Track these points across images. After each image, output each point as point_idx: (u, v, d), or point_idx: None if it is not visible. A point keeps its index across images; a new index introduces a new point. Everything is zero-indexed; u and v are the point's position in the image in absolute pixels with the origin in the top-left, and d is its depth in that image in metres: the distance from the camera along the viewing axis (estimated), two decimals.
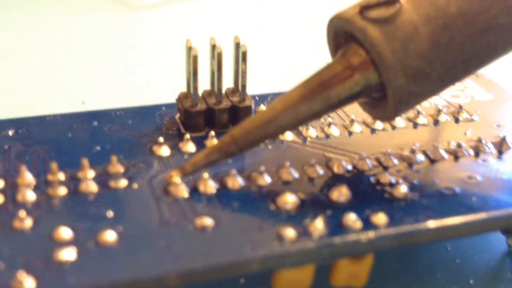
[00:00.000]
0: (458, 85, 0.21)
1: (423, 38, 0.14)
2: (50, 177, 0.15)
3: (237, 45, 0.17)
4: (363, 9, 0.14)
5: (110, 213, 0.14)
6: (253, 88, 0.19)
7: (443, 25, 0.14)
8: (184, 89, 0.18)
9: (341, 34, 0.15)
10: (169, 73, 0.26)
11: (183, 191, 0.14)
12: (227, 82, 0.18)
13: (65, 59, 0.28)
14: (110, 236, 0.13)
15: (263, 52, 0.28)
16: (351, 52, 0.15)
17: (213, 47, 0.17)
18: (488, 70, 0.20)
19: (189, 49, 0.17)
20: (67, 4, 0.35)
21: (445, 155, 0.16)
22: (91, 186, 0.15)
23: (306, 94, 0.14)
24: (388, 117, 0.15)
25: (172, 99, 0.18)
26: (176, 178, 0.15)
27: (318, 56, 0.29)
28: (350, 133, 0.18)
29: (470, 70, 0.15)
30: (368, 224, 0.14)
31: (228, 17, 0.34)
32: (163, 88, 0.25)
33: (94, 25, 0.32)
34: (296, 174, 0.15)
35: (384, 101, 0.15)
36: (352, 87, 0.15)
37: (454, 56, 0.14)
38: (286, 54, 0.29)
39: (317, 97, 0.14)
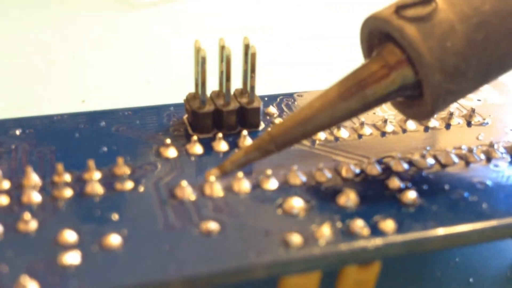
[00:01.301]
0: None
1: (460, 36, 0.14)
2: (56, 178, 0.15)
3: (246, 46, 0.17)
4: (399, 9, 0.14)
5: (115, 216, 0.14)
6: (262, 88, 0.19)
7: (479, 23, 0.14)
8: (185, 88, 0.18)
9: (375, 35, 0.15)
10: (169, 71, 0.26)
11: (190, 194, 0.14)
12: (236, 83, 0.17)
13: (65, 57, 0.28)
14: (114, 239, 0.13)
15: (270, 52, 0.28)
16: (387, 52, 0.15)
17: (222, 48, 0.17)
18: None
19: (198, 50, 0.17)
20: (67, 3, 0.35)
21: (456, 160, 0.16)
22: (96, 188, 0.14)
23: (343, 93, 0.15)
24: (424, 116, 0.15)
25: (172, 97, 0.18)
26: (214, 177, 0.15)
27: (327, 55, 0.29)
28: (360, 136, 0.17)
29: (505, 68, 0.15)
30: (376, 231, 0.13)
31: (230, 16, 0.34)
32: (163, 86, 0.25)
33: (94, 24, 0.32)
34: (303, 178, 0.15)
35: (420, 100, 0.15)
36: (388, 85, 0.15)
37: (490, 53, 0.14)
38: (294, 53, 0.29)
39: (354, 96, 0.15)
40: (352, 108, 0.15)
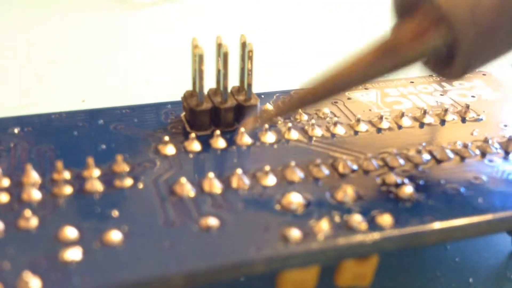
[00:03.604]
0: (465, 84, 0.21)
1: None
2: (55, 176, 0.15)
3: (243, 44, 0.17)
4: None
5: (115, 213, 0.14)
6: (259, 86, 0.19)
7: None
8: (184, 87, 0.18)
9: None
10: (169, 71, 0.26)
11: (189, 191, 0.14)
12: (233, 80, 0.18)
13: (65, 57, 0.28)
14: (115, 236, 0.13)
15: (267, 49, 0.28)
16: (421, 12, 0.15)
17: (219, 46, 0.17)
18: (496, 69, 0.20)
19: (195, 48, 0.17)
20: (67, 2, 0.35)
21: (452, 155, 0.16)
22: (96, 185, 0.15)
23: (378, 53, 0.15)
24: (456, 75, 0.16)
25: (172, 97, 0.18)
26: (252, 125, 0.15)
27: (324, 53, 0.29)
28: (356, 133, 0.17)
29: None
30: (373, 225, 0.14)
31: (230, 15, 0.34)
32: (163, 86, 0.25)
33: (94, 23, 0.32)
34: (301, 174, 0.15)
35: (453, 60, 0.15)
36: (423, 44, 0.15)
37: None
38: (291, 51, 0.29)
39: (388, 56, 0.15)
40: (386, 66, 0.15)
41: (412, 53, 0.15)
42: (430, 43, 0.15)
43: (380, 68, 0.15)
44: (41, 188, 0.14)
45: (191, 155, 0.16)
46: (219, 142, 0.17)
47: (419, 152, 0.16)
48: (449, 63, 0.15)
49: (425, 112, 0.18)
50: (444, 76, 0.16)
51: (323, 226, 0.13)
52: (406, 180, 0.15)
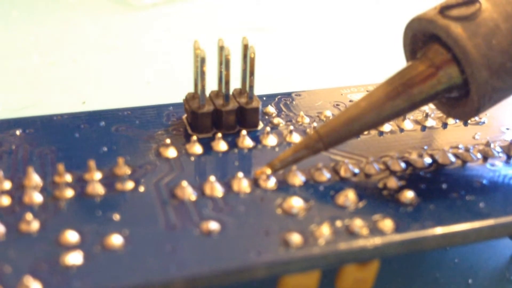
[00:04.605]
0: None
1: (505, 34, 0.14)
2: (57, 178, 0.15)
3: (245, 47, 0.17)
4: (444, 9, 0.15)
5: (116, 216, 0.14)
6: (261, 88, 0.19)
7: None
8: (184, 88, 0.18)
9: (419, 37, 0.16)
10: (169, 73, 0.26)
11: (190, 194, 0.14)
12: (235, 83, 0.18)
13: (65, 59, 0.28)
14: (116, 240, 0.13)
15: (269, 51, 0.28)
16: (433, 52, 0.15)
17: (221, 48, 0.17)
18: None
19: (197, 50, 0.17)
20: (67, 4, 0.35)
21: (453, 159, 0.16)
22: (97, 188, 0.15)
23: (389, 92, 0.15)
24: (469, 115, 0.16)
25: (172, 98, 0.18)
26: (265, 174, 0.15)
27: (326, 55, 0.29)
28: (358, 136, 0.17)
29: None
30: (374, 230, 0.14)
31: (231, 17, 0.34)
32: (164, 88, 0.25)
33: (94, 25, 0.32)
34: (303, 178, 0.15)
35: (465, 100, 0.15)
36: (435, 85, 0.15)
37: None
38: (293, 53, 0.29)
39: (400, 96, 0.15)
40: (399, 107, 0.15)
41: (424, 92, 0.15)
42: (442, 82, 0.15)
43: (393, 108, 0.15)
44: (43, 191, 0.14)
45: (192, 158, 0.16)
46: (221, 145, 0.17)
47: (420, 155, 0.16)
48: (462, 103, 0.16)
49: (427, 115, 0.18)
50: (457, 116, 0.16)
51: (324, 230, 0.13)
52: (407, 184, 0.15)
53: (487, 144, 0.17)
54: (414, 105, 0.15)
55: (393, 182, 0.15)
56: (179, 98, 0.18)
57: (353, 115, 0.15)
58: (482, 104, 0.15)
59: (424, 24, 0.15)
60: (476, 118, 0.18)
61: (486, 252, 0.17)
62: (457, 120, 0.18)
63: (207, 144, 0.17)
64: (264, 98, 0.19)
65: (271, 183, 0.15)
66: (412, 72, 0.15)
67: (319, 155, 0.16)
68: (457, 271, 0.16)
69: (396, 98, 0.15)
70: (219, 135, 0.17)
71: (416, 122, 0.18)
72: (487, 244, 0.17)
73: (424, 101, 0.15)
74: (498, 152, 0.17)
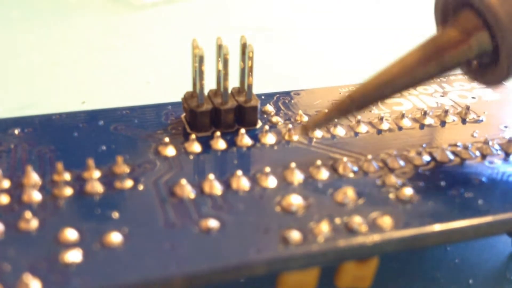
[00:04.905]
0: (465, 85, 0.21)
1: None
2: (55, 177, 0.15)
3: (244, 45, 0.17)
4: None
5: (115, 214, 0.14)
6: (259, 86, 0.19)
7: None
8: (184, 88, 0.18)
9: (450, 3, 0.16)
10: (169, 72, 0.26)
11: (189, 192, 0.14)
12: (233, 81, 0.18)
13: (65, 58, 0.28)
14: (115, 237, 0.13)
15: (267, 50, 0.28)
16: (464, 18, 0.15)
17: (220, 47, 0.17)
18: None
19: (195, 48, 0.17)
20: (67, 3, 0.35)
21: (452, 157, 0.16)
22: (96, 187, 0.15)
23: (421, 58, 0.15)
24: (499, 81, 0.16)
25: (172, 98, 0.18)
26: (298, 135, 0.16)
27: (325, 53, 0.29)
28: (356, 134, 0.17)
29: None
30: (373, 227, 0.14)
31: (230, 16, 0.34)
32: (163, 87, 0.25)
33: (94, 24, 0.32)
34: (301, 176, 0.15)
35: (495, 66, 0.16)
36: (466, 51, 0.15)
37: None
38: (292, 52, 0.29)
39: (432, 61, 0.15)
40: (430, 72, 0.15)
41: (456, 58, 0.15)
42: (473, 48, 0.15)
43: (424, 73, 0.15)
44: (41, 189, 0.14)
45: (191, 156, 0.16)
46: (220, 144, 0.17)
47: (419, 153, 0.16)
48: (491, 69, 0.16)
49: (425, 113, 0.18)
50: (486, 82, 0.16)
51: (323, 228, 0.13)
52: (406, 182, 0.15)
53: (486, 142, 0.17)
54: (445, 70, 0.16)
55: (392, 180, 0.15)
56: (179, 98, 0.18)
57: (385, 80, 0.15)
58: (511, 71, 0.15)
59: None
60: (474, 116, 0.19)
61: (486, 252, 0.17)
62: (455, 119, 0.18)
63: (206, 143, 0.17)
64: (263, 97, 0.19)
65: (271, 181, 0.15)
66: (444, 38, 0.15)
67: (317, 153, 0.16)
68: (458, 271, 0.16)
69: (428, 63, 0.15)
70: (218, 133, 0.17)
71: (415, 120, 0.18)
72: (488, 243, 0.17)
73: (455, 66, 0.16)
74: (497, 150, 0.17)
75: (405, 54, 0.16)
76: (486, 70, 0.16)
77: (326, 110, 0.16)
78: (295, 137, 0.16)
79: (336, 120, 0.16)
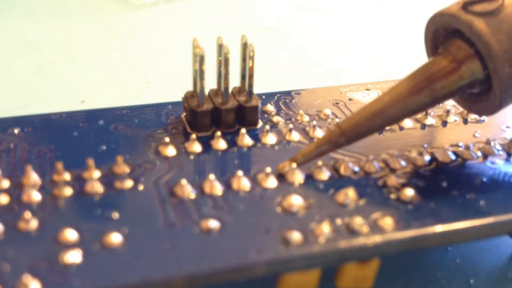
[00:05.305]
0: None
1: None
2: (55, 177, 0.15)
3: (244, 45, 0.17)
4: (467, 5, 0.15)
5: (115, 215, 0.14)
6: (260, 86, 0.19)
7: None
8: (184, 88, 0.18)
9: (441, 32, 0.16)
10: (169, 72, 0.26)
11: (189, 193, 0.14)
12: (234, 81, 0.17)
13: (65, 58, 0.28)
14: (115, 238, 0.13)
15: (268, 49, 0.28)
16: (455, 47, 0.15)
17: (220, 46, 0.17)
18: None
19: (196, 48, 0.17)
20: (67, 3, 0.35)
21: (453, 157, 0.16)
22: (96, 187, 0.14)
23: (412, 87, 0.15)
24: (491, 110, 0.16)
25: (172, 98, 0.18)
26: (287, 168, 0.15)
27: (325, 53, 0.29)
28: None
29: None
30: (374, 228, 0.14)
31: (230, 15, 0.34)
32: (163, 86, 0.25)
33: (94, 24, 0.32)
34: (302, 176, 0.15)
35: (487, 95, 0.15)
36: (457, 80, 0.15)
37: None
38: (292, 51, 0.29)
39: (423, 91, 0.15)
40: (421, 102, 0.15)
41: (447, 87, 0.15)
42: (464, 77, 0.15)
43: (416, 103, 0.15)
44: (41, 189, 0.14)
45: (191, 156, 0.16)
46: (220, 143, 0.16)
47: (420, 153, 0.16)
48: (484, 98, 0.16)
49: (426, 113, 0.18)
50: (479, 111, 0.16)
51: (324, 228, 0.13)
52: (407, 182, 0.15)
53: (487, 142, 0.17)
54: (437, 100, 0.15)
55: (393, 180, 0.15)
56: (179, 97, 0.18)
57: (375, 110, 0.15)
58: (504, 99, 0.15)
59: (446, 19, 0.15)
60: (476, 116, 0.18)
61: (487, 252, 0.17)
62: (457, 119, 0.18)
63: (206, 143, 0.17)
64: (264, 97, 0.19)
65: (272, 182, 0.15)
66: (435, 67, 0.15)
67: None
68: (459, 271, 0.16)
69: (419, 93, 0.15)
70: (218, 133, 0.17)
71: (416, 120, 0.18)
72: (489, 243, 0.17)
73: (447, 96, 0.15)
74: (498, 150, 0.17)
75: (396, 84, 0.15)
76: (479, 99, 0.16)
77: (315, 143, 0.15)
78: (284, 170, 0.15)
79: (326, 154, 0.15)
